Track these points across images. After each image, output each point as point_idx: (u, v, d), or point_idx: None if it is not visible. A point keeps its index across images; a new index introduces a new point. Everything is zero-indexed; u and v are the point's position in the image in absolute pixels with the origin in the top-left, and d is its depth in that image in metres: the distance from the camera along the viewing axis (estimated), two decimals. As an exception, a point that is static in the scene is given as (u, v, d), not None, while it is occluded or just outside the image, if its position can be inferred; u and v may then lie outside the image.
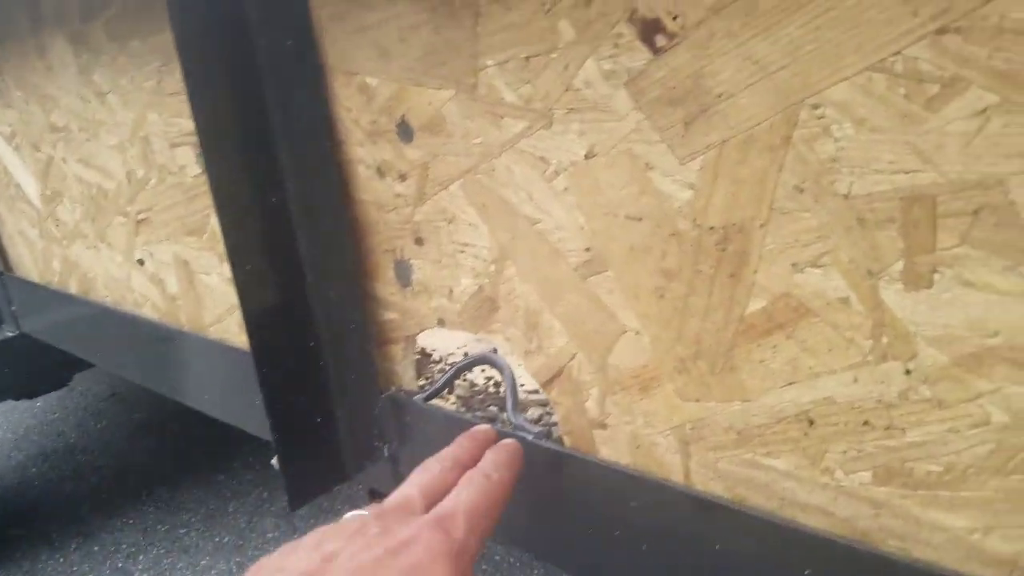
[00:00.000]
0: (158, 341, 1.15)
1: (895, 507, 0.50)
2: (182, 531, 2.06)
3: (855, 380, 0.49)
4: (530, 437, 0.72)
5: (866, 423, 0.50)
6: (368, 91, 0.69)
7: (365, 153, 0.73)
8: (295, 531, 2.02)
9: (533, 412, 0.89)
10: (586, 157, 0.57)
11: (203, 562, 1.91)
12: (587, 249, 0.61)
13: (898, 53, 0.41)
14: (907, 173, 0.43)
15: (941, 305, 0.44)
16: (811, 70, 0.44)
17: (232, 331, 1.00)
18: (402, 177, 0.71)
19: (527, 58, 0.57)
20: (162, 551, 1.97)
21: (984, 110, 0.40)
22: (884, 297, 0.46)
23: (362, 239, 0.78)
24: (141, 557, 1.95)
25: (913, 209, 0.43)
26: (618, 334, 0.62)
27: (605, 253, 0.60)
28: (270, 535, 2.03)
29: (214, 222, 0.96)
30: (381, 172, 0.73)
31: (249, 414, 0.98)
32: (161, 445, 2.55)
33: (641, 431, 0.64)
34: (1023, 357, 0.42)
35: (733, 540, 0.59)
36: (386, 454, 0.85)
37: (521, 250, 0.65)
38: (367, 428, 0.86)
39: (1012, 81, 0.38)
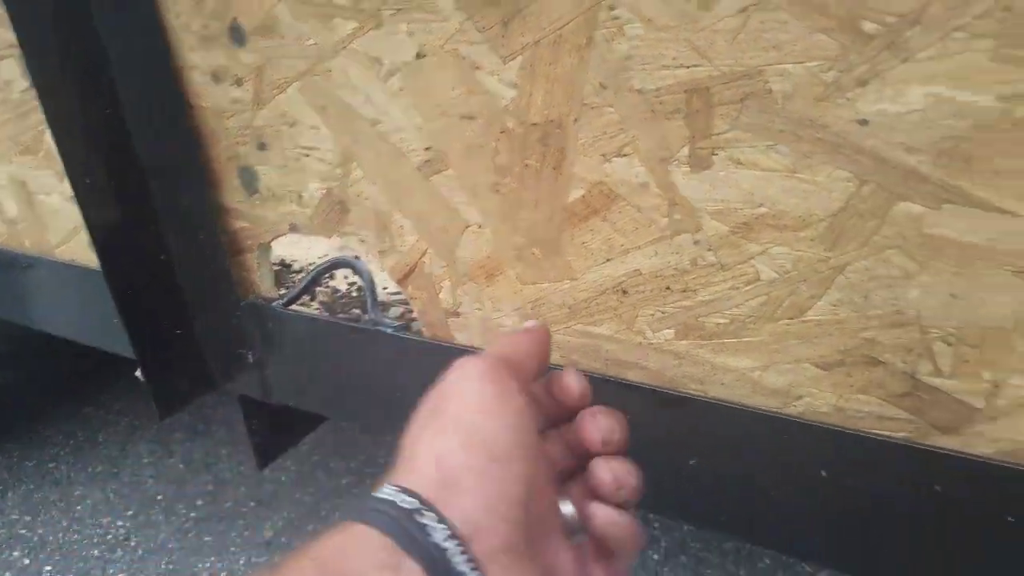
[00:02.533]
0: (2, 267, 1.10)
1: (693, 356, 0.60)
2: (51, 464, 2.01)
3: (656, 253, 0.58)
4: (390, 331, 0.78)
5: (667, 288, 0.59)
6: (195, -6, 0.68)
7: (199, 59, 0.72)
8: (171, 454, 2.02)
9: (395, 311, 0.94)
10: (417, 57, 0.61)
11: (76, 492, 1.89)
12: (427, 148, 0.65)
13: (674, -40, 0.47)
14: (687, 68, 0.50)
15: (719, 183, 0.53)
16: (604, -25, 0.49)
17: (80, 251, 0.98)
18: (238, 81, 0.72)
19: (352, -40, 0.59)
20: (32, 486, 1.92)
21: (745, 8, 0.47)
22: (674, 179, 0.54)
23: (204, 147, 0.78)
24: (10, 494, 1.90)
25: (693, 100, 0.51)
26: (462, 229, 0.68)
27: (444, 152, 0.65)
28: (146, 460, 2.02)
29: (49, 139, 0.92)
30: (217, 77, 0.73)
31: (106, 332, 0.97)
32: (17, 379, 2.43)
33: (490, 315, 0.71)
34: (782, 223, 0.52)
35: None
36: (251, 360, 0.89)
37: (365, 151, 0.69)
38: (229, 337, 0.89)
39: (763, -15, 0.45)
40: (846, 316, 0.53)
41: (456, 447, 0.36)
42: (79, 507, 1.86)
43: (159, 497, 1.86)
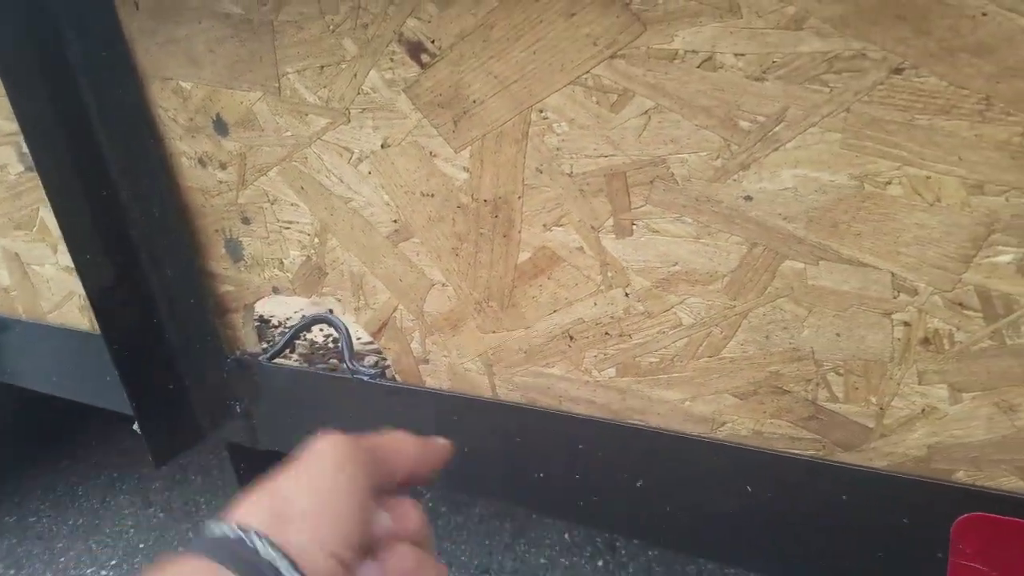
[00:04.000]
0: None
1: (633, 391, 0.71)
2: (32, 519, 2.05)
3: (595, 304, 0.69)
4: (367, 378, 0.88)
5: (606, 334, 0.70)
6: (183, 93, 0.78)
7: (186, 146, 0.83)
8: (150, 504, 2.08)
9: (370, 359, 1.04)
10: (383, 147, 0.72)
11: (59, 545, 1.94)
12: (394, 221, 0.76)
13: (588, 72, 0.58)
14: (606, 156, 0.61)
15: (640, 247, 0.64)
16: (534, 84, 0.61)
17: (73, 315, 1.07)
18: (223, 166, 0.82)
19: (321, 67, 0.69)
20: (14, 540, 1.97)
21: (647, 111, 0.58)
22: (605, 244, 0.65)
23: (191, 221, 0.88)
24: (-8, 551, 1.94)
25: (613, 182, 0.62)
26: (428, 287, 0.78)
27: (409, 223, 0.75)
28: (126, 511, 2.08)
29: (43, 215, 1.01)
30: (203, 162, 0.83)
31: (100, 390, 1.06)
32: (-9, 438, 2.46)
33: (456, 361, 0.81)
34: (693, 278, 0.63)
35: (531, 432, 0.78)
36: (239, 411, 0.98)
37: (340, 224, 0.79)
38: (218, 390, 0.98)
39: (659, 91, 0.57)
40: (753, 353, 0.64)
41: (293, 489, 0.40)
42: (62, 559, 1.91)
43: (141, 546, 1.92)
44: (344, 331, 0.92)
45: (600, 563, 1.48)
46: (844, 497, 0.64)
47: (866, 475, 0.63)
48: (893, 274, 0.56)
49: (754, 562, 0.71)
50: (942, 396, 0.58)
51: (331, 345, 1.05)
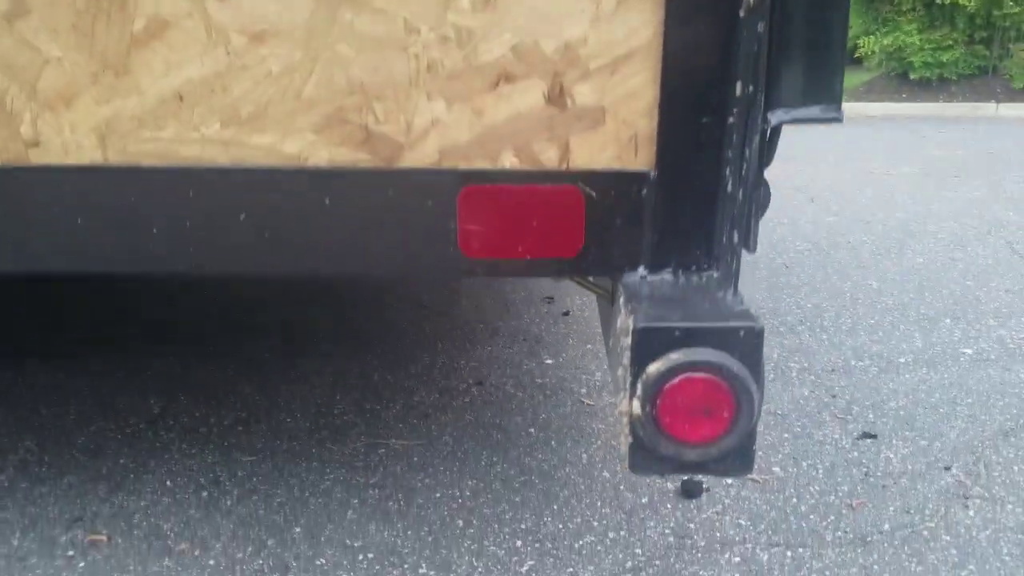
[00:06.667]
0: None
1: (236, 141, 0.94)
2: None
3: (202, 64, 0.91)
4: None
5: (212, 90, 0.92)
6: None
7: None
8: None
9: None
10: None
11: None
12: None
13: None
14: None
15: (236, 8, 0.90)
16: None
17: None
18: None
19: None
20: None
21: None
22: (209, 9, 0.89)
23: None
24: None
25: None
26: (43, 64, 0.92)
27: (28, 1, 0.90)
28: None
29: None
30: None
31: None
32: None
33: (69, 138, 0.95)
34: (278, 31, 0.91)
35: (144, 189, 0.95)
36: None
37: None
38: None
39: None
40: (324, 92, 0.93)
41: None
42: None
43: None
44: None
45: (204, 494, 1.57)
46: (390, 192, 0.95)
47: (403, 175, 0.95)
48: (405, 18, 0.91)
49: (331, 263, 0.97)
50: (442, 109, 0.94)
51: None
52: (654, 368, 0.84)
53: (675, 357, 0.84)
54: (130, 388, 1.99)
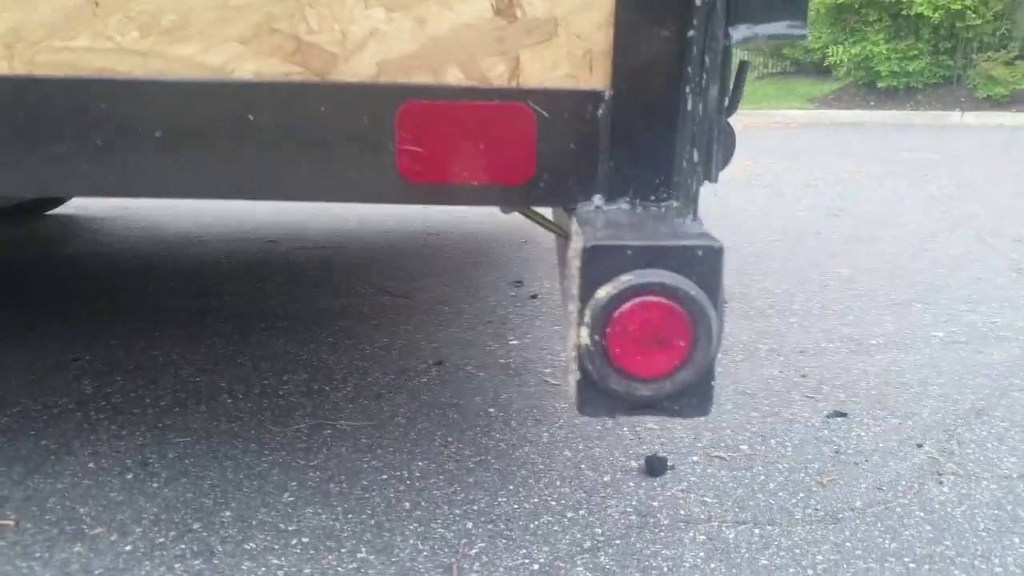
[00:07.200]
0: None
1: (155, 52, 0.87)
2: None
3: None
4: None
5: (128, -9, 0.85)
6: None
7: None
8: None
9: None
10: None
11: None
12: None
13: None
14: None
15: None
16: None
17: None
18: None
19: None
20: None
21: None
22: None
23: None
24: None
25: None
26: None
27: None
28: None
29: None
30: None
31: None
32: None
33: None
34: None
35: (48, 101, 0.87)
36: None
37: None
38: None
39: None
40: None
41: None
42: None
43: None
44: None
45: (130, 476, 1.46)
46: (322, 108, 0.88)
47: (337, 89, 0.88)
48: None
49: (257, 187, 0.90)
50: (382, 18, 0.87)
51: None
52: (603, 292, 0.78)
53: (626, 279, 0.78)
54: (63, 370, 1.88)
